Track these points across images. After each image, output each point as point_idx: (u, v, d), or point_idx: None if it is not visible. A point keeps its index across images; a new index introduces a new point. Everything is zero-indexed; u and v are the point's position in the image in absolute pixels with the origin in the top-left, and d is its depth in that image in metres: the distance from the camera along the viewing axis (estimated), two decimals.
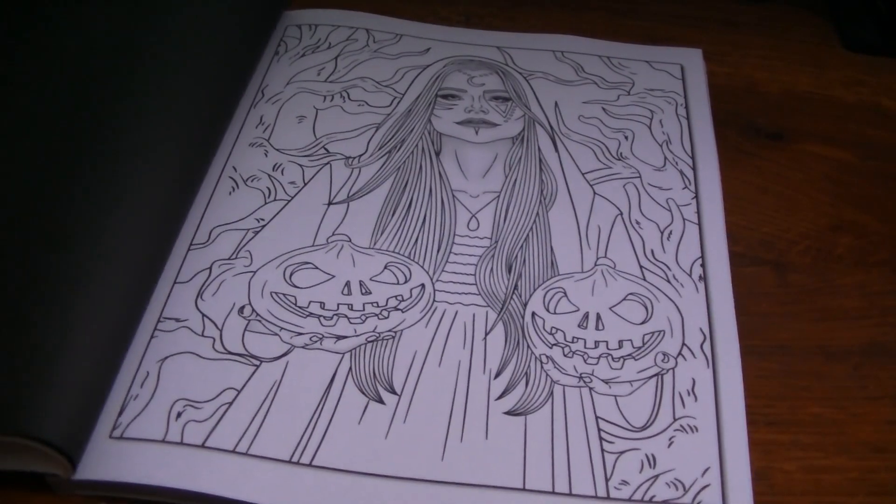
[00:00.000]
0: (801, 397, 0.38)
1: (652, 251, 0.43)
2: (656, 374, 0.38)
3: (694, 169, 0.47)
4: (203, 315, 0.39)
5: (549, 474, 0.34)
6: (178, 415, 0.35)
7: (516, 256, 0.42)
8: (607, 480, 0.34)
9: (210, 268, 0.41)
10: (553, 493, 0.34)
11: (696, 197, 0.45)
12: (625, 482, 0.34)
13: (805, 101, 0.54)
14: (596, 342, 0.39)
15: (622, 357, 0.38)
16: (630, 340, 0.39)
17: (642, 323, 0.39)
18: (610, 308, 0.40)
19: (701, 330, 0.39)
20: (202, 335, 0.38)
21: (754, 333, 0.40)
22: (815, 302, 0.42)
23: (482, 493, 0.34)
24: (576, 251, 0.42)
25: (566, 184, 0.46)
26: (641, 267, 0.42)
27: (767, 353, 0.40)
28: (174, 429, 0.35)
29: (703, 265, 0.42)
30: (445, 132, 0.48)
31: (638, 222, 0.44)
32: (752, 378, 0.38)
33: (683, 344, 0.39)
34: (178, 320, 0.39)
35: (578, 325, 0.39)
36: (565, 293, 0.40)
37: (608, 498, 0.34)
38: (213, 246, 0.42)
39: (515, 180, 0.46)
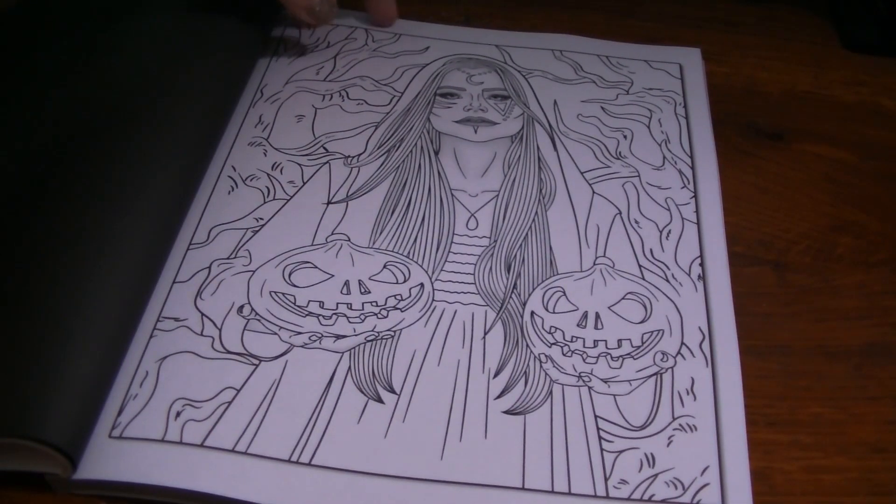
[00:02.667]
0: (801, 397, 0.38)
1: (651, 250, 0.43)
2: (655, 374, 0.37)
3: (693, 168, 0.47)
4: (202, 314, 0.39)
5: (549, 473, 0.34)
6: (178, 414, 0.35)
7: (515, 256, 0.42)
8: (606, 479, 0.34)
9: (209, 267, 0.41)
10: (552, 492, 0.34)
11: (695, 196, 0.45)
12: (624, 481, 0.34)
13: (805, 101, 0.54)
14: (595, 341, 0.38)
15: (621, 356, 0.38)
16: (629, 339, 0.39)
17: (641, 322, 0.39)
18: (609, 307, 0.40)
19: (700, 329, 0.39)
20: (201, 334, 0.38)
21: (754, 333, 0.40)
22: (815, 302, 0.42)
23: (481, 492, 0.34)
24: (575, 250, 0.42)
25: (565, 183, 0.46)
26: (640, 266, 0.42)
27: (767, 353, 0.40)
28: (173, 428, 0.35)
29: (701, 264, 0.42)
30: (444, 131, 0.48)
31: (637, 221, 0.44)
32: (752, 378, 0.38)
33: (682, 343, 0.39)
34: (177, 320, 0.38)
35: (577, 325, 0.39)
36: (564, 292, 0.40)
37: (607, 497, 0.34)
38: (213, 245, 0.42)
39: (514, 179, 0.46)
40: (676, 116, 0.50)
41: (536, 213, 0.44)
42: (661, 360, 0.38)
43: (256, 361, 0.37)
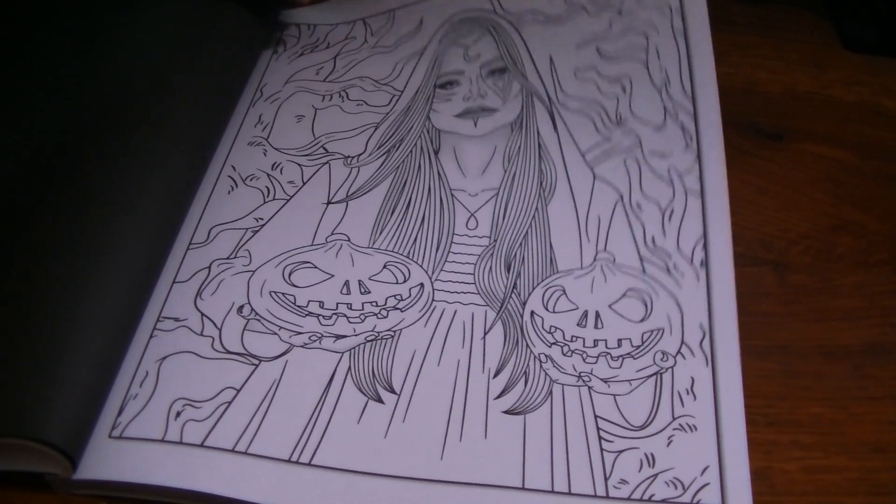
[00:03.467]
0: (801, 397, 0.38)
1: (653, 238, 0.42)
2: (655, 373, 0.37)
3: (695, 121, 0.47)
4: (202, 314, 0.39)
5: (548, 473, 0.34)
6: (178, 414, 0.35)
7: (515, 255, 0.42)
8: (606, 479, 0.34)
9: (209, 267, 0.41)
10: (552, 492, 0.34)
11: (699, 157, 0.45)
12: (624, 481, 0.34)
13: (805, 101, 0.54)
14: (595, 341, 0.38)
15: (621, 356, 0.38)
16: (629, 339, 0.39)
17: (641, 321, 0.39)
18: (609, 306, 0.40)
19: (700, 327, 0.39)
20: (201, 334, 0.38)
21: (754, 333, 0.40)
22: (815, 302, 0.42)
23: (481, 492, 0.34)
24: (575, 246, 0.42)
25: (566, 170, 0.46)
26: (641, 258, 0.42)
27: (767, 353, 0.40)
28: (173, 428, 0.35)
29: (705, 246, 0.42)
30: (444, 128, 0.48)
31: (639, 205, 0.44)
32: (752, 378, 0.38)
33: (682, 342, 0.39)
34: (177, 320, 0.38)
35: (577, 324, 0.39)
36: (564, 291, 0.40)
37: (607, 497, 0.34)
38: (212, 245, 0.42)
39: (514, 174, 0.46)
40: (674, 34, 0.50)
41: (537, 208, 0.44)
42: (661, 359, 0.38)
43: (256, 361, 0.37)
